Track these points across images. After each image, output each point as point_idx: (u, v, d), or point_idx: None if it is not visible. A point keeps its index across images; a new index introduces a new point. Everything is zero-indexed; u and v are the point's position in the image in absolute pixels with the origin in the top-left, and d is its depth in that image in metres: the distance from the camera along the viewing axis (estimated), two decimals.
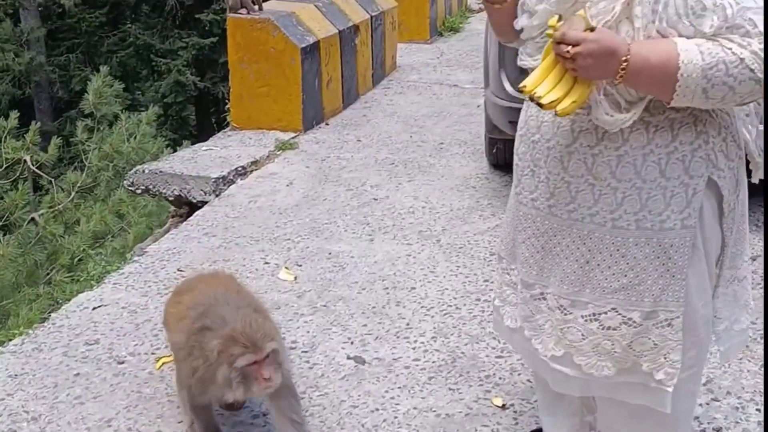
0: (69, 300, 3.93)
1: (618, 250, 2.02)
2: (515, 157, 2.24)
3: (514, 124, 4.54)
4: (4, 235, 7.79)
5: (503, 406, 2.96)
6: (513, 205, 2.27)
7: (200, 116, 18.86)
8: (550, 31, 1.86)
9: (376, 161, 5.84)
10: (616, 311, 2.04)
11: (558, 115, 1.89)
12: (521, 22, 2.10)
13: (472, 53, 9.19)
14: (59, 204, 8.25)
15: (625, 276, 2.02)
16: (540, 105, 1.86)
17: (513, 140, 5.30)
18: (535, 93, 1.85)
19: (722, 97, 1.83)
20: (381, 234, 4.59)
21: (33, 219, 8.04)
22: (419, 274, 4.08)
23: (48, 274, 7.79)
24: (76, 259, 7.65)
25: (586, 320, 2.08)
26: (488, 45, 5.03)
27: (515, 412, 2.93)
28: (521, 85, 1.89)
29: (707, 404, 2.92)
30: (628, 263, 2.02)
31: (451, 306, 3.74)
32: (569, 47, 1.80)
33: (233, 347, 2.35)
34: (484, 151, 5.72)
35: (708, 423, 2.83)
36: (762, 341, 3.13)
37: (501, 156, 5.39)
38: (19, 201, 8.01)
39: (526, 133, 2.16)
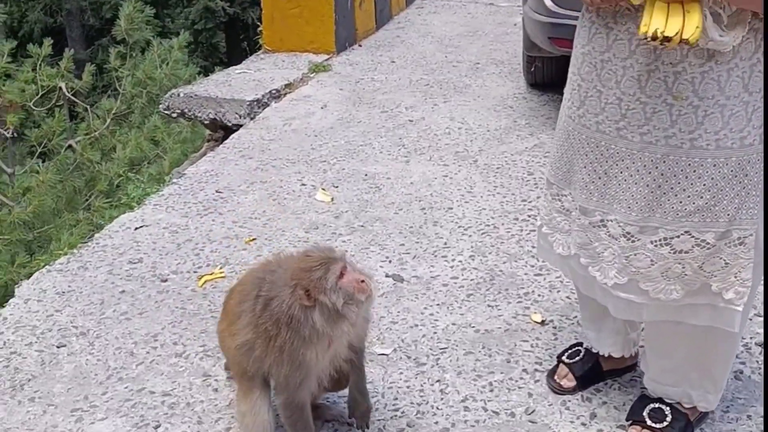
0: (110, 223, 3.98)
1: (694, 171, 1.98)
2: (575, 77, 2.16)
3: (553, 40, 4.51)
4: (43, 161, 7.89)
5: (542, 322, 2.97)
6: (569, 129, 2.19)
7: (230, 43, 18.73)
8: None
9: (410, 82, 5.78)
10: (689, 234, 2.01)
11: (690, 44, 1.83)
12: None
13: None
14: (95, 131, 8.31)
15: (701, 197, 1.99)
16: (667, 40, 1.82)
17: (552, 58, 5.24)
18: (659, 31, 1.81)
19: None
20: (417, 155, 4.57)
21: (70, 146, 8.11)
22: (456, 194, 4.08)
23: (87, 200, 7.90)
24: (114, 185, 7.75)
25: (655, 245, 2.05)
26: None
27: (554, 328, 2.94)
28: (641, 31, 1.84)
29: (750, 319, 2.90)
30: (704, 184, 1.98)
31: (488, 225, 3.74)
32: None
33: (314, 272, 2.05)
34: (522, 70, 5.63)
35: (750, 338, 2.82)
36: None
37: (539, 75, 5.31)
38: (56, 128, 8.08)
39: (591, 51, 2.08)
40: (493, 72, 5.93)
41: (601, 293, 2.22)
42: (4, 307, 3.21)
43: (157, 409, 2.56)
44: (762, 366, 2.68)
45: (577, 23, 2.18)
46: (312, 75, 5.96)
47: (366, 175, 4.35)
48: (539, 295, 3.15)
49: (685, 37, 1.81)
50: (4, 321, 3.05)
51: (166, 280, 3.32)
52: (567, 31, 4.16)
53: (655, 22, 1.83)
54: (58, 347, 2.88)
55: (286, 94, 5.62)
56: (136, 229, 3.77)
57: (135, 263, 3.47)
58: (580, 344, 2.68)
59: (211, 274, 3.36)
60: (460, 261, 3.44)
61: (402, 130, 4.94)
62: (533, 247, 3.50)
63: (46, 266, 3.48)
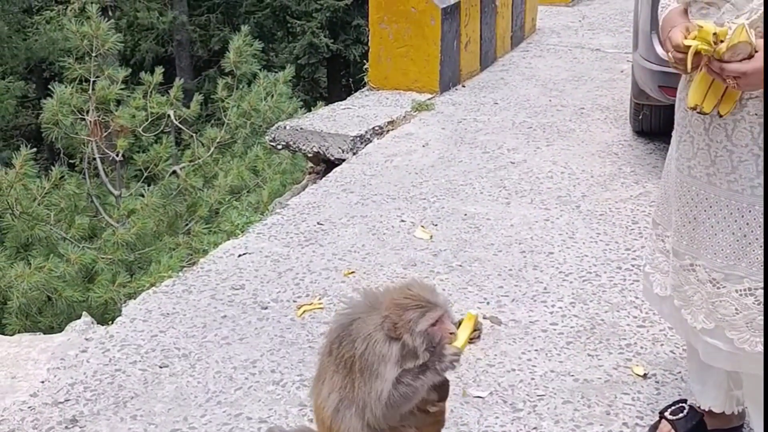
0: (210, 249, 4.08)
1: None
2: (675, 122, 2.20)
3: (663, 89, 4.43)
4: (149, 185, 8.15)
5: (644, 376, 2.89)
6: (672, 170, 2.21)
7: (331, 78, 19.13)
8: (704, 47, 1.90)
9: (513, 124, 5.76)
10: None
11: (721, 115, 1.97)
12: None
13: (615, 17, 8.89)
14: (199, 158, 8.55)
15: None
16: (702, 113, 1.99)
17: (660, 106, 5.14)
18: (698, 106, 1.98)
19: None
20: (518, 197, 4.54)
21: (175, 172, 8.36)
22: (557, 239, 4.02)
23: (187, 224, 8.12)
24: (214, 212, 7.94)
25: (740, 294, 2.03)
26: (639, 5, 4.85)
27: (657, 382, 2.86)
28: (689, 105, 2.00)
29: None
30: None
31: (590, 273, 3.67)
32: (730, 79, 1.88)
33: (408, 312, 2.01)
34: (628, 117, 5.54)
35: None
36: None
37: (647, 123, 5.21)
38: (162, 154, 8.35)
39: (685, 98, 2.11)
40: (598, 118, 5.85)
41: (693, 336, 2.21)
42: (109, 324, 3.31)
43: None
44: None
45: None
46: (415, 113, 6.01)
47: (465, 214, 4.33)
48: (642, 348, 3.07)
49: (721, 113, 1.97)
50: (111, 338, 3.15)
51: (266, 308, 3.37)
52: (678, 80, 4.10)
53: (696, 96, 1.98)
54: (160, 367, 2.95)
55: (388, 131, 5.67)
56: (240, 256, 3.85)
57: (237, 289, 3.54)
58: (684, 401, 2.60)
59: (310, 304, 3.39)
60: (560, 307, 3.38)
61: (503, 172, 4.92)
62: (636, 297, 3.42)
63: (152, 287, 3.58)
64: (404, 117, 5.92)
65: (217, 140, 8.72)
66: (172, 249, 7.43)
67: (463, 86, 6.69)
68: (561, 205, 4.41)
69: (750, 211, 1.99)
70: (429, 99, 6.29)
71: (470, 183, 4.77)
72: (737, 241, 2.01)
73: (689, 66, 1.92)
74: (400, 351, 2.03)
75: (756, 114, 1.93)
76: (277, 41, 18.15)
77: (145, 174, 8.36)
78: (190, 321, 3.27)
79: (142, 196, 7.73)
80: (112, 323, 3.29)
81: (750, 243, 2.00)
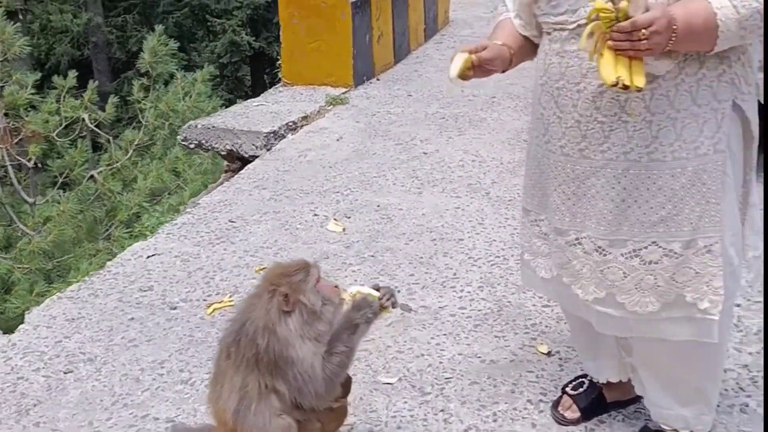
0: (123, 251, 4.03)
1: (654, 183, 2.04)
2: (537, 107, 2.24)
3: None
4: (65, 192, 7.98)
5: (548, 353, 2.96)
6: (539, 156, 2.27)
7: (255, 76, 18.98)
8: (606, 15, 1.87)
9: (426, 116, 5.82)
10: (657, 244, 2.07)
11: (640, 89, 1.91)
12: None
13: None
14: (117, 162, 8.40)
15: (663, 208, 2.04)
16: (625, 87, 1.90)
17: None
18: (621, 80, 1.88)
19: (756, 37, 1.94)
20: (429, 187, 4.59)
21: (92, 176, 8.20)
22: (467, 225, 4.08)
23: (107, 230, 7.98)
24: (134, 215, 7.83)
25: (626, 258, 2.10)
26: None
27: (560, 359, 2.93)
28: (611, 83, 1.90)
29: (757, 353, 2.89)
30: (665, 195, 2.04)
31: (498, 257, 3.74)
32: (642, 30, 1.84)
33: (294, 275, 2.08)
34: None
35: (758, 371, 2.79)
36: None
37: None
38: (78, 159, 8.18)
39: (547, 81, 2.17)
40: (508, 106, 5.95)
41: (585, 310, 2.27)
42: (11, 333, 3.25)
43: None
44: None
45: (536, 58, 2.27)
46: (329, 108, 6.02)
47: (378, 206, 4.37)
48: (546, 327, 3.14)
49: (639, 86, 1.90)
50: (13, 347, 3.09)
51: (175, 308, 3.35)
52: None
53: (608, 71, 1.90)
54: (65, 373, 2.91)
55: (302, 126, 5.68)
56: (148, 257, 3.81)
57: (145, 291, 3.50)
58: (585, 376, 2.68)
59: (220, 302, 3.38)
60: (469, 292, 3.44)
61: (416, 162, 4.97)
62: None
63: (57, 293, 3.52)
64: (318, 112, 5.93)
65: (135, 142, 8.58)
66: (92, 255, 7.29)
67: (378, 79, 6.74)
68: (471, 193, 4.48)
69: (625, 176, 2.06)
70: (343, 93, 6.31)
71: (383, 174, 4.81)
72: (617, 206, 2.09)
73: (592, 49, 1.94)
74: (300, 319, 2.06)
75: (686, 74, 1.98)
76: (198, 41, 17.91)
77: (61, 180, 8.19)
78: (96, 325, 3.23)
79: (59, 203, 7.58)
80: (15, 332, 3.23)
81: (629, 206, 2.07)
